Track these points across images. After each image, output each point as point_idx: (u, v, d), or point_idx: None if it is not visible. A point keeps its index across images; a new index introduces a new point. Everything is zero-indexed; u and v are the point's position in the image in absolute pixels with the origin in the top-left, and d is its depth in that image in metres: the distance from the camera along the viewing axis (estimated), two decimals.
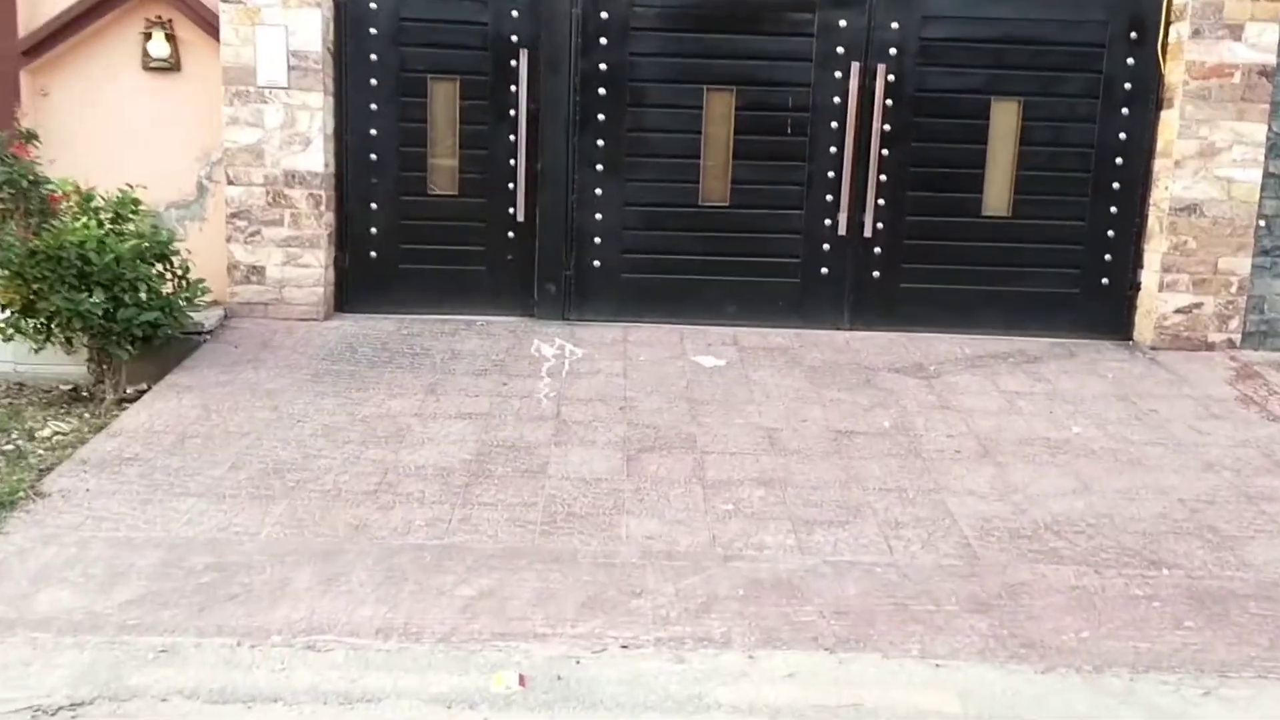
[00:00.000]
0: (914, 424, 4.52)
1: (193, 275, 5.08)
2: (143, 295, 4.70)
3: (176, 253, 5.00)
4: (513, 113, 5.62)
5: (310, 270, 5.53)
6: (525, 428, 4.34)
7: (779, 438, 4.34)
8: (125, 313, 4.62)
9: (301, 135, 5.41)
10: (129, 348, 4.72)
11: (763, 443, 4.28)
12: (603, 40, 5.55)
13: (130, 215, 4.89)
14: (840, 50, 5.53)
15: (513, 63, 5.57)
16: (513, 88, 5.59)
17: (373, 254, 5.73)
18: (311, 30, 5.33)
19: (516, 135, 5.60)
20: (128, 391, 4.85)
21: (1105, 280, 5.69)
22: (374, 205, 5.68)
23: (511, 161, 5.65)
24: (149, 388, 4.78)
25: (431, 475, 3.87)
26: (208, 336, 5.21)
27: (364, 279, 5.75)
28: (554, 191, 5.67)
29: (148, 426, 4.23)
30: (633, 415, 4.51)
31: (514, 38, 5.57)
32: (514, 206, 5.66)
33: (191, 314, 5.02)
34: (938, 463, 4.14)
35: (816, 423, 4.51)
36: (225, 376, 4.78)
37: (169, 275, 5.00)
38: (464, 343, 5.39)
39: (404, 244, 5.73)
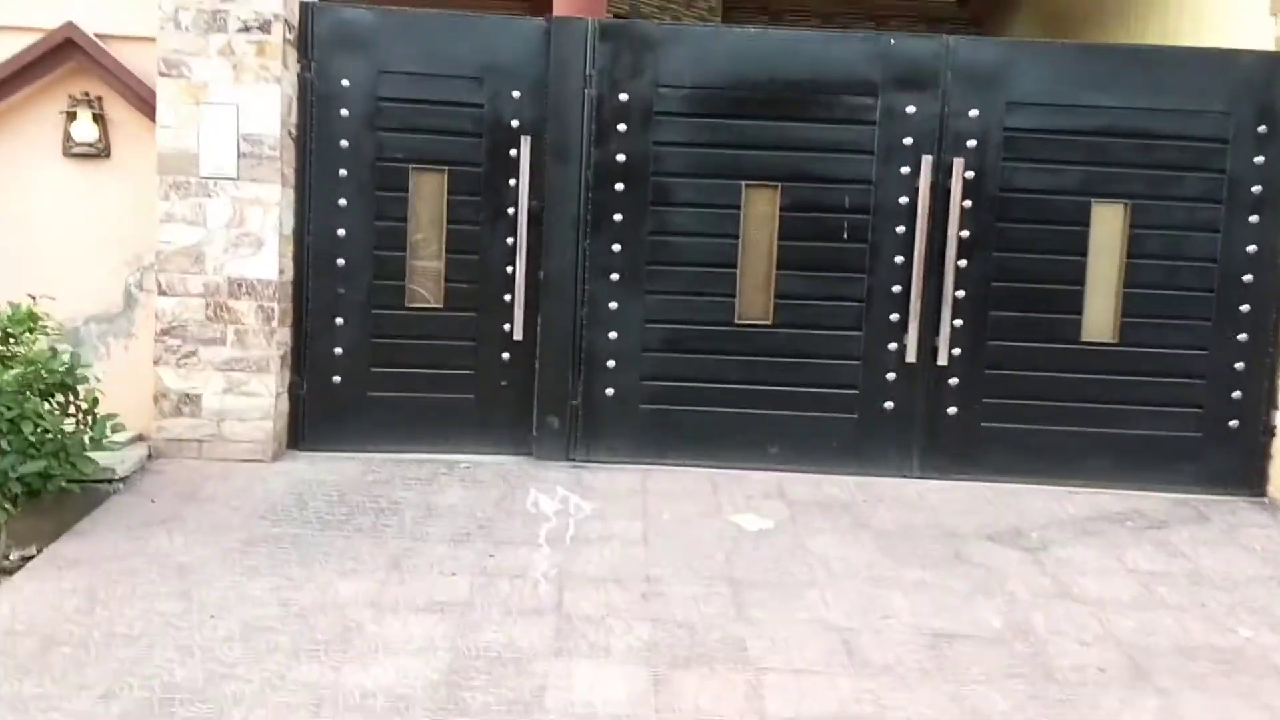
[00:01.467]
0: (1032, 623, 3.41)
1: (113, 405, 4.05)
2: (29, 437, 3.64)
3: (84, 380, 3.96)
4: (511, 211, 4.66)
5: (257, 400, 4.48)
6: (516, 627, 3.23)
7: (857, 644, 3.22)
8: (2, 461, 3.56)
9: (252, 236, 4.43)
10: (7, 505, 3.64)
11: (837, 651, 3.17)
12: (621, 127, 4.61)
13: (24, 335, 3.86)
14: (908, 141, 4.59)
15: (513, 152, 4.63)
16: (512, 181, 4.65)
17: (336, 379, 4.69)
18: (268, 111, 4.39)
19: (515, 238, 4.63)
20: (10, 559, 3.76)
21: (1233, 422, 4.64)
22: (340, 320, 4.66)
23: (509, 269, 4.67)
24: (39, 551, 3.69)
25: (382, 712, 2.74)
26: (120, 485, 4.13)
27: (325, 409, 4.70)
28: (559, 305, 4.67)
29: (6, 625, 3.12)
30: (659, 606, 3.40)
31: (515, 123, 4.64)
32: (510, 322, 4.66)
33: (98, 458, 3.95)
34: (1080, 689, 3.02)
35: (903, 618, 3.40)
36: (129, 544, 3.68)
37: (71, 410, 3.95)
38: (443, 493, 4.31)
39: (375, 367, 4.70)
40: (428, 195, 4.69)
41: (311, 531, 3.85)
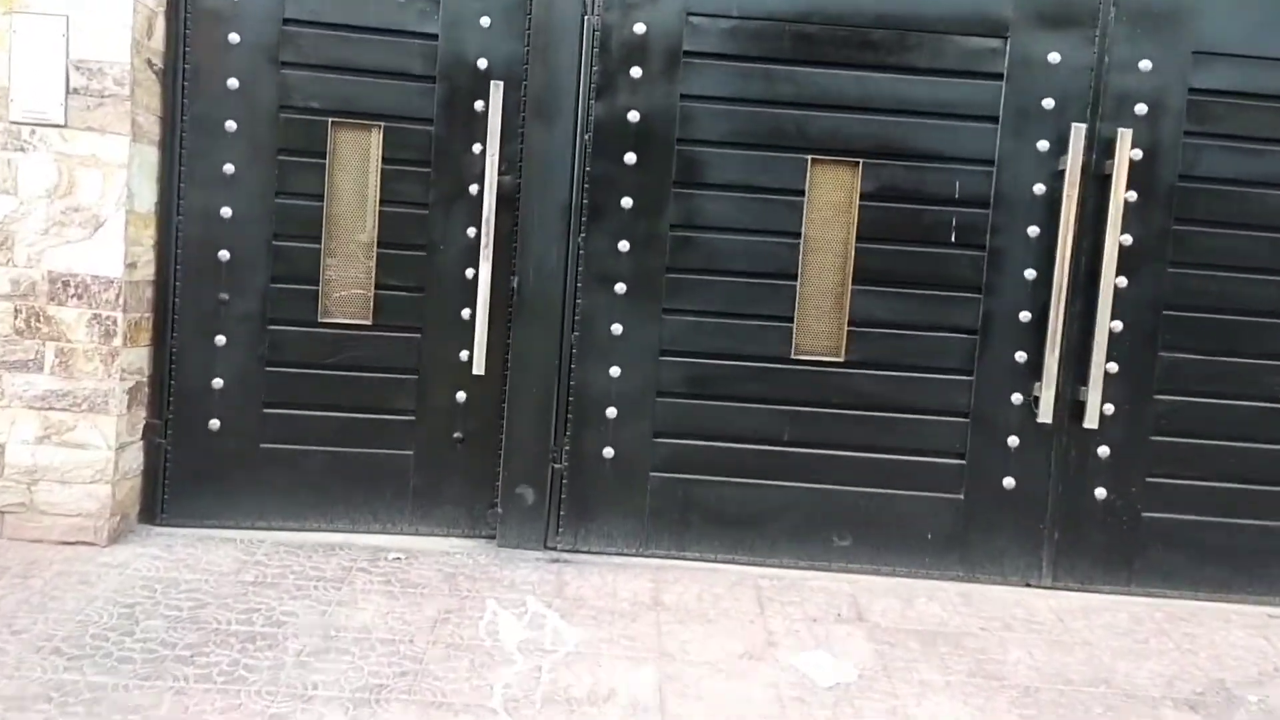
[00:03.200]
0: None
1: None
2: None
3: None
4: (474, 189, 3.23)
5: (89, 454, 3.03)
6: None
7: None
8: None
9: (86, 212, 2.99)
10: None
11: None
12: (635, 72, 3.19)
13: None
14: (1048, 104, 3.18)
15: (477, 105, 3.21)
16: (476, 147, 3.22)
17: (214, 424, 3.24)
18: (115, 27, 2.96)
19: (479, 228, 3.19)
20: None
21: None
22: (221, 339, 3.22)
23: (468, 272, 3.25)
24: None
25: None
26: None
27: (197, 467, 3.25)
28: (539, 327, 3.24)
29: None
30: None
31: (481, 62, 3.22)
32: (468, 349, 3.22)
33: None
34: None
35: None
36: None
37: None
38: (355, 606, 2.86)
39: (272, 407, 3.26)
40: (354, 163, 3.26)
41: (124, 682, 2.39)
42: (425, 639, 2.69)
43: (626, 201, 3.23)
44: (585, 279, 3.25)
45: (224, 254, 3.20)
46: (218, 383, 3.23)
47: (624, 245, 3.24)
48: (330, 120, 3.21)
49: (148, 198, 3.13)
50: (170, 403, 3.23)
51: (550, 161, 3.22)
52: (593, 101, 3.21)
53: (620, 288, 3.25)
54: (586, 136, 3.22)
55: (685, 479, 3.29)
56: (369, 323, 3.28)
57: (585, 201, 3.23)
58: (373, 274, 3.27)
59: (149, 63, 3.09)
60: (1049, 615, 3.11)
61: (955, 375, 3.26)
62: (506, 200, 3.24)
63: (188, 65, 3.15)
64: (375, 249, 3.27)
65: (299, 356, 3.26)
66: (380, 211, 3.25)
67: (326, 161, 3.22)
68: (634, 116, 3.21)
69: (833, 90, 3.21)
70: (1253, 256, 3.20)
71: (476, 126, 3.23)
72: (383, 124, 3.23)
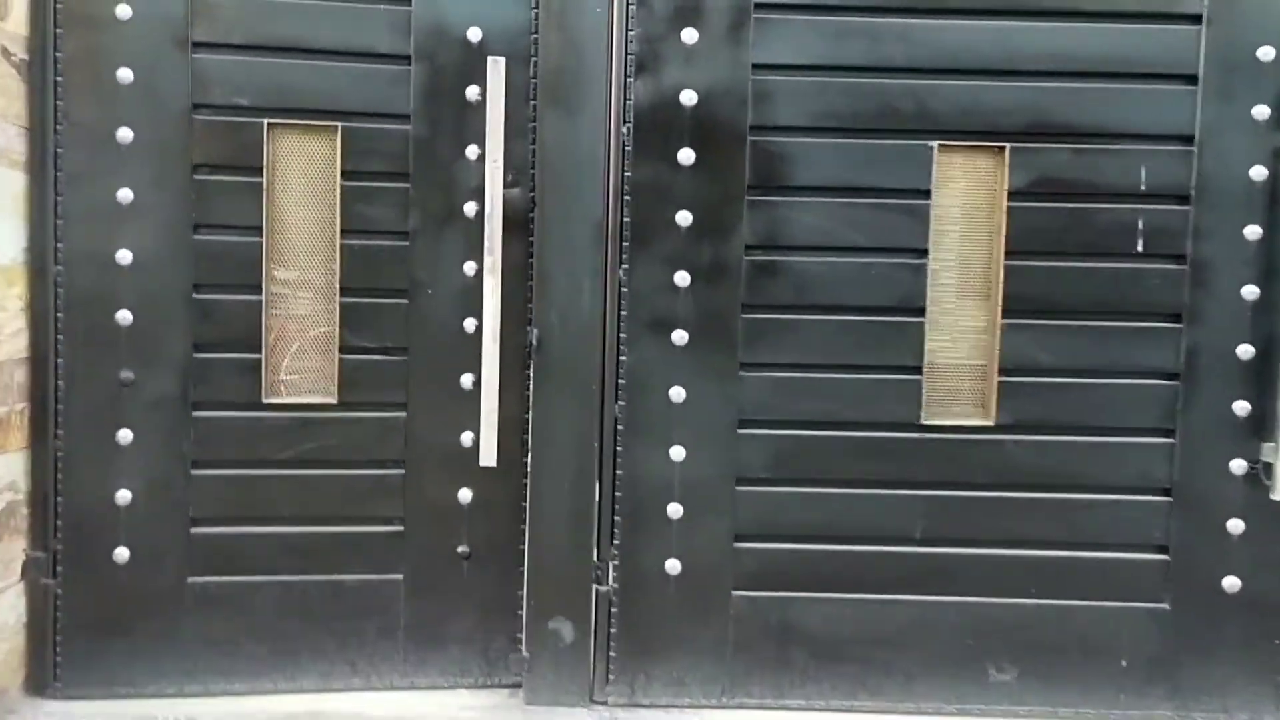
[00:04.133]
0: None
1: None
2: None
3: None
4: (471, 208, 2.33)
5: None
6: None
7: None
8: None
9: None
10: None
11: None
12: (689, 35, 2.28)
13: None
14: (1267, 55, 2.26)
15: (471, 91, 2.31)
16: (471, 150, 2.32)
17: (121, 553, 2.32)
18: None
19: (479, 261, 2.29)
20: None
21: None
22: (126, 434, 2.31)
23: (468, 323, 2.34)
24: None
25: None
26: None
27: (100, 615, 2.33)
28: (569, 394, 2.33)
29: None
30: None
31: (473, 33, 2.31)
32: (472, 430, 2.32)
33: None
34: None
35: None
36: None
37: None
38: None
39: (201, 525, 2.34)
40: (303, 180, 2.35)
41: None
42: None
43: (683, 217, 2.31)
44: (630, 326, 2.33)
45: (124, 315, 2.28)
46: (124, 496, 2.31)
47: (682, 277, 2.32)
48: (267, 122, 2.30)
49: (11, 242, 2.22)
50: (59, 528, 2.31)
51: (575, 165, 2.31)
52: (630, 80, 2.30)
53: (679, 336, 2.33)
54: (625, 129, 2.31)
55: (781, 598, 2.37)
56: (333, 400, 2.37)
57: (626, 219, 2.32)
58: (336, 332, 2.36)
59: (4, 52, 2.18)
60: None
61: (1149, 437, 2.34)
62: (516, 221, 2.33)
63: (62, 54, 2.24)
64: (338, 297, 2.35)
65: (237, 453, 2.34)
66: (343, 246, 2.34)
67: (264, 179, 2.30)
68: (689, 98, 2.29)
69: (964, 49, 2.30)
70: None
71: (470, 122, 2.32)
72: (341, 124, 2.32)
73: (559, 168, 2.32)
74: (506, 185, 2.32)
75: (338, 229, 2.34)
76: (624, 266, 2.33)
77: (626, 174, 2.32)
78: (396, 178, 2.34)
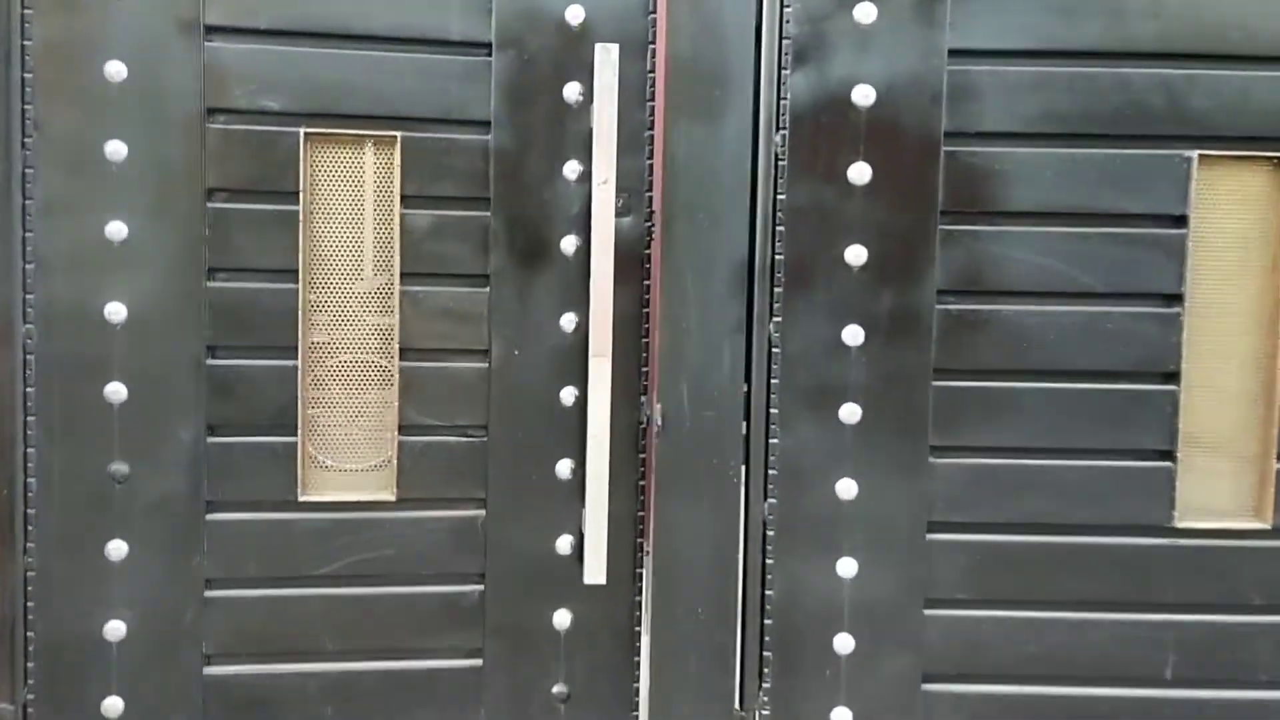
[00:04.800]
0: None
1: None
2: None
3: None
4: (570, 243, 1.76)
5: None
6: None
7: None
8: None
9: None
10: None
11: None
12: (864, 12, 1.70)
13: None
14: None
15: (571, 90, 1.73)
16: (570, 167, 1.75)
17: (113, 704, 1.75)
18: None
19: (581, 312, 1.73)
20: None
21: None
22: (119, 546, 1.73)
23: (565, 395, 1.78)
24: None
25: None
26: None
27: None
28: (701, 489, 1.76)
29: None
30: None
31: (574, 13, 1.73)
32: (571, 534, 1.76)
33: None
34: None
35: None
36: None
37: None
38: None
39: (219, 663, 1.77)
40: (349, 206, 1.78)
41: None
42: None
43: (855, 253, 1.73)
44: (785, 399, 1.75)
45: (116, 389, 1.72)
46: (116, 628, 1.74)
47: (853, 333, 1.74)
48: (304, 131, 1.73)
49: None
50: (30, 670, 1.74)
51: (711, 187, 1.74)
52: (786, 73, 1.72)
53: (850, 412, 1.75)
54: (778, 138, 1.73)
55: None
56: (391, 496, 1.80)
57: (778, 256, 1.74)
58: (394, 408, 1.78)
59: None
60: None
61: None
62: (630, 260, 1.76)
63: (31, 42, 1.68)
64: (397, 360, 1.78)
65: (265, 568, 1.77)
66: (403, 294, 1.77)
67: (300, 207, 1.73)
68: (864, 96, 1.72)
69: (1237, 26, 1.72)
70: None
71: (570, 130, 1.76)
72: (400, 133, 1.75)
73: (689, 190, 1.75)
74: (619, 213, 1.75)
75: (396, 271, 1.77)
76: (776, 319, 1.75)
77: (780, 197, 1.74)
78: (473, 203, 1.77)
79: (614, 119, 1.71)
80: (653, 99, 1.78)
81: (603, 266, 1.73)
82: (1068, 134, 1.73)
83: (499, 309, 1.77)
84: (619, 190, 1.75)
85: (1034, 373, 1.76)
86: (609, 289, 1.73)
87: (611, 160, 1.71)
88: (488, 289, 1.78)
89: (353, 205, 1.77)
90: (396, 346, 1.78)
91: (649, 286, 1.79)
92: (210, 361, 1.73)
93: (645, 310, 1.79)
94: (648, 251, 1.79)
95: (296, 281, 1.74)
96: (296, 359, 1.75)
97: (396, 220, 1.76)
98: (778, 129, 1.74)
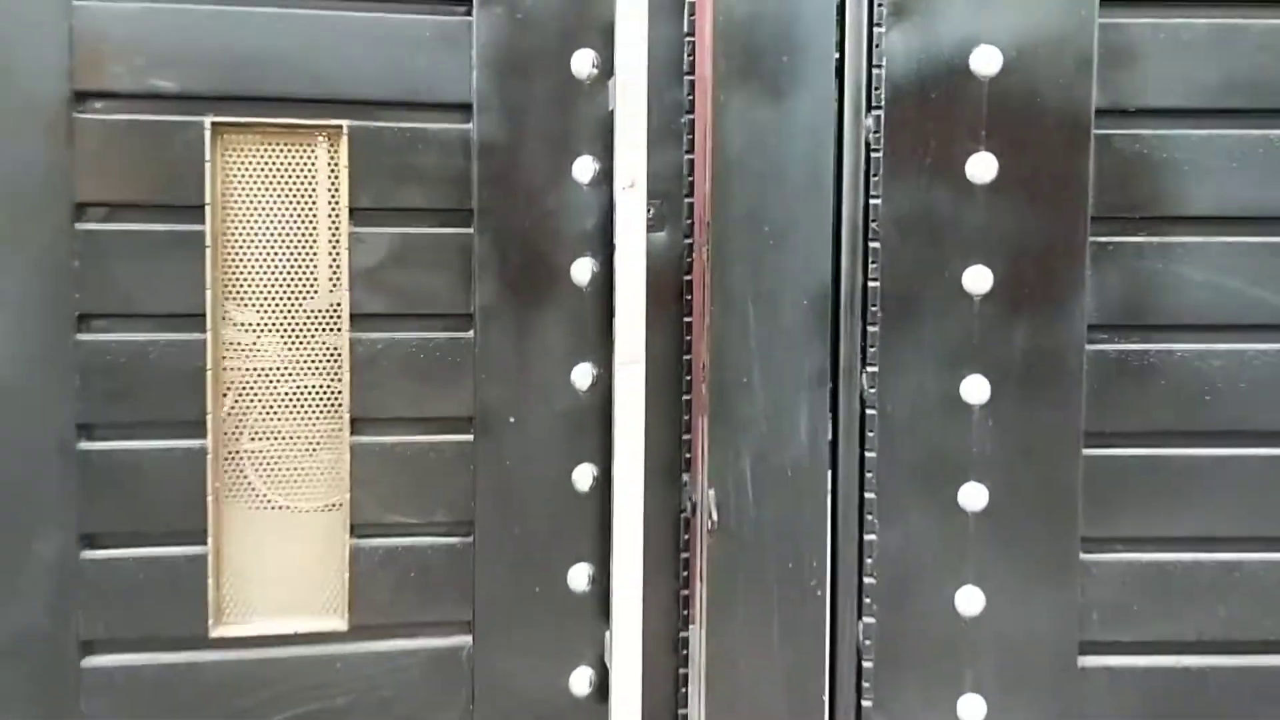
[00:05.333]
0: None
1: None
2: None
3: None
4: (582, 269, 1.29)
5: None
6: None
7: None
8: None
9: None
10: None
11: None
12: None
13: None
14: None
15: (580, 61, 1.26)
16: (582, 163, 1.26)
17: None
18: None
19: (603, 361, 1.24)
20: None
21: None
22: None
23: (579, 476, 1.29)
24: None
25: None
26: None
27: None
28: (768, 602, 1.28)
29: None
30: None
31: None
32: (588, 664, 1.27)
33: None
34: None
35: None
36: None
37: None
38: None
39: None
40: (278, 225, 1.28)
41: None
42: None
43: (976, 276, 1.26)
44: (884, 477, 1.28)
45: None
46: None
47: (976, 386, 1.27)
48: (211, 121, 1.24)
49: None
50: None
51: (777, 188, 1.27)
52: (880, 31, 1.25)
53: (973, 495, 1.28)
54: (868, 121, 1.27)
55: None
56: (342, 625, 1.30)
57: (872, 282, 1.27)
58: (345, 502, 1.29)
59: None
60: None
61: None
62: (665, 290, 1.29)
63: None
64: (347, 435, 1.28)
65: None
66: (353, 343, 1.27)
67: (208, 226, 1.24)
68: (987, 62, 1.25)
69: None
70: None
71: (581, 115, 1.28)
72: (347, 122, 1.26)
73: (747, 194, 1.27)
74: (649, 227, 1.28)
75: (345, 312, 1.28)
76: (870, 368, 1.28)
77: (873, 201, 1.27)
78: (450, 217, 1.29)
79: (643, 99, 1.23)
80: (693, 71, 1.30)
81: (630, 300, 1.25)
82: (1261, 110, 1.27)
83: (488, 361, 1.29)
84: (650, 196, 1.27)
85: (1219, 435, 1.29)
86: (639, 330, 1.25)
87: (640, 155, 1.24)
88: (471, 333, 1.29)
89: (280, 221, 1.28)
90: (346, 417, 1.28)
91: (690, 325, 1.32)
92: (83, 445, 1.23)
93: (687, 358, 1.32)
94: (689, 278, 1.31)
95: (203, 329, 1.25)
96: (205, 437, 1.25)
97: (343, 241, 1.27)
98: (869, 109, 1.27)
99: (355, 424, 1.28)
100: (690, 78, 1.30)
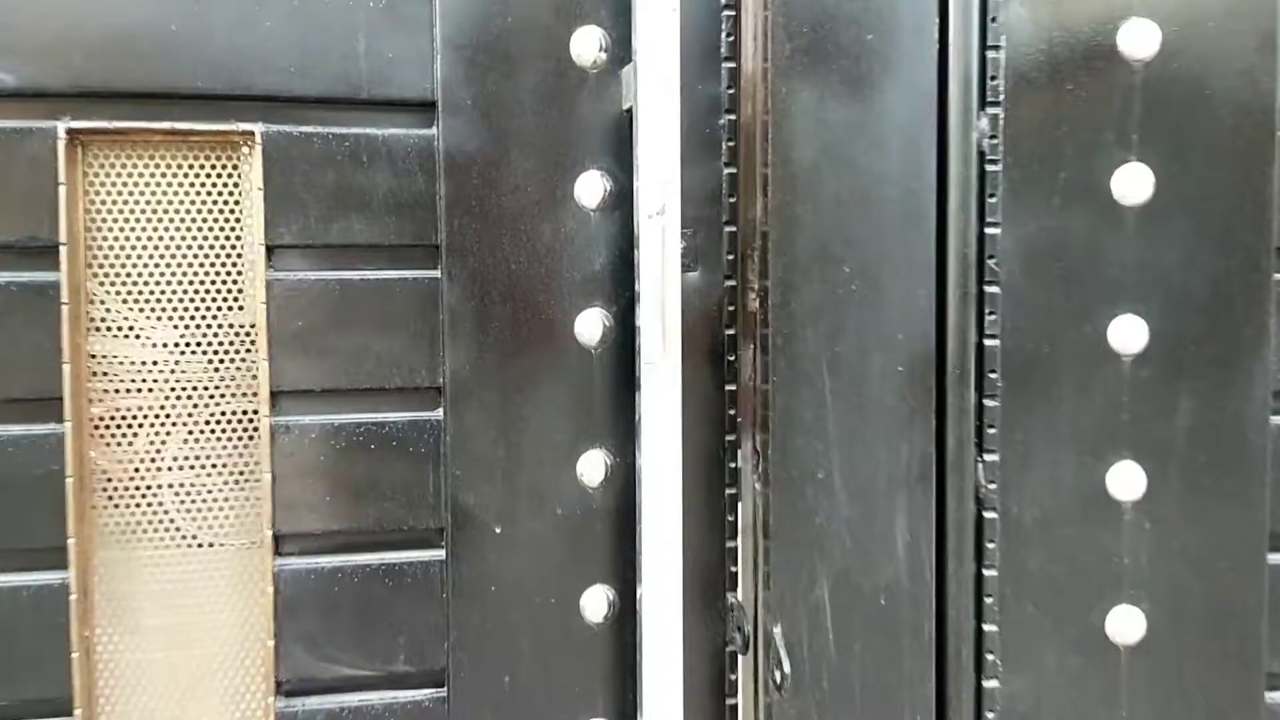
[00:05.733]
0: None
1: None
2: None
3: None
4: (590, 321, 0.93)
5: None
6: None
7: None
8: None
9: None
10: None
11: None
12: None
13: None
14: None
15: (582, 42, 0.90)
16: (586, 180, 0.91)
17: None
18: None
19: (621, 450, 0.89)
20: None
21: None
22: None
23: (589, 603, 0.95)
24: None
25: None
26: None
27: None
28: None
29: None
30: None
31: None
32: None
33: None
34: None
35: None
36: None
37: None
38: None
39: None
40: (168, 269, 0.91)
41: None
42: None
43: (1127, 330, 0.93)
44: (1009, 602, 0.93)
45: None
46: None
47: (1128, 477, 0.94)
48: (65, 127, 0.87)
49: None
50: None
51: (859, 214, 0.92)
52: (998, 3, 0.92)
53: (1126, 625, 0.94)
54: (983, 123, 0.93)
55: None
56: None
57: (989, 339, 0.93)
58: (268, 657, 0.92)
59: None
60: None
61: None
62: (702, 349, 0.94)
63: None
64: (271, 559, 0.92)
65: None
66: (274, 429, 0.91)
67: (63, 273, 0.87)
68: (1140, 42, 0.92)
69: None
70: None
71: (585, 116, 0.93)
72: (260, 126, 0.90)
73: (819, 221, 0.93)
74: (684, 267, 0.93)
75: (265, 391, 0.91)
76: (988, 456, 0.94)
77: (989, 231, 0.93)
78: (406, 255, 0.93)
79: (673, 93, 0.89)
80: (735, 59, 0.96)
81: (657, 365, 0.90)
82: None
83: (463, 450, 0.93)
84: (684, 226, 0.93)
85: None
86: (673, 404, 0.90)
87: (672, 171, 0.89)
88: (439, 413, 0.93)
89: (174, 267, 0.91)
90: (267, 533, 0.92)
91: (735, 396, 0.97)
92: None
93: (731, 440, 0.97)
94: (731, 333, 0.97)
95: (60, 418, 0.88)
96: (67, 571, 0.88)
97: (259, 293, 0.91)
98: (982, 106, 0.93)
99: (279, 543, 0.92)
100: (730, 65, 0.96)
